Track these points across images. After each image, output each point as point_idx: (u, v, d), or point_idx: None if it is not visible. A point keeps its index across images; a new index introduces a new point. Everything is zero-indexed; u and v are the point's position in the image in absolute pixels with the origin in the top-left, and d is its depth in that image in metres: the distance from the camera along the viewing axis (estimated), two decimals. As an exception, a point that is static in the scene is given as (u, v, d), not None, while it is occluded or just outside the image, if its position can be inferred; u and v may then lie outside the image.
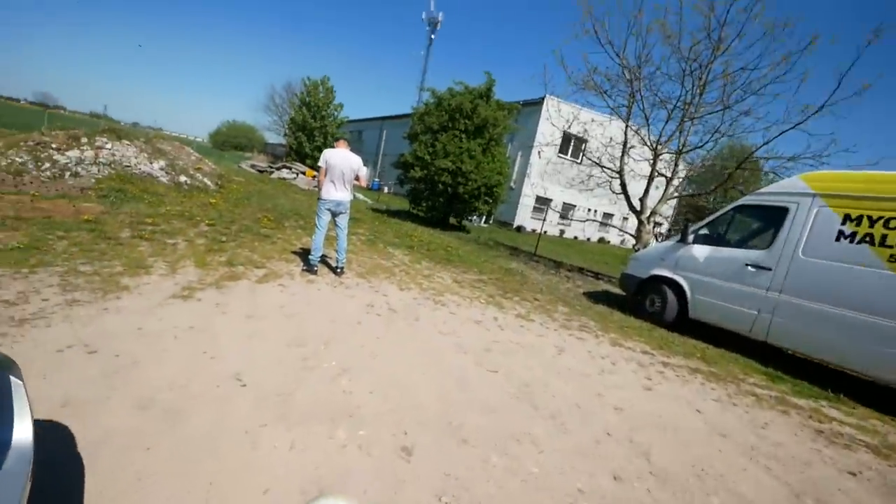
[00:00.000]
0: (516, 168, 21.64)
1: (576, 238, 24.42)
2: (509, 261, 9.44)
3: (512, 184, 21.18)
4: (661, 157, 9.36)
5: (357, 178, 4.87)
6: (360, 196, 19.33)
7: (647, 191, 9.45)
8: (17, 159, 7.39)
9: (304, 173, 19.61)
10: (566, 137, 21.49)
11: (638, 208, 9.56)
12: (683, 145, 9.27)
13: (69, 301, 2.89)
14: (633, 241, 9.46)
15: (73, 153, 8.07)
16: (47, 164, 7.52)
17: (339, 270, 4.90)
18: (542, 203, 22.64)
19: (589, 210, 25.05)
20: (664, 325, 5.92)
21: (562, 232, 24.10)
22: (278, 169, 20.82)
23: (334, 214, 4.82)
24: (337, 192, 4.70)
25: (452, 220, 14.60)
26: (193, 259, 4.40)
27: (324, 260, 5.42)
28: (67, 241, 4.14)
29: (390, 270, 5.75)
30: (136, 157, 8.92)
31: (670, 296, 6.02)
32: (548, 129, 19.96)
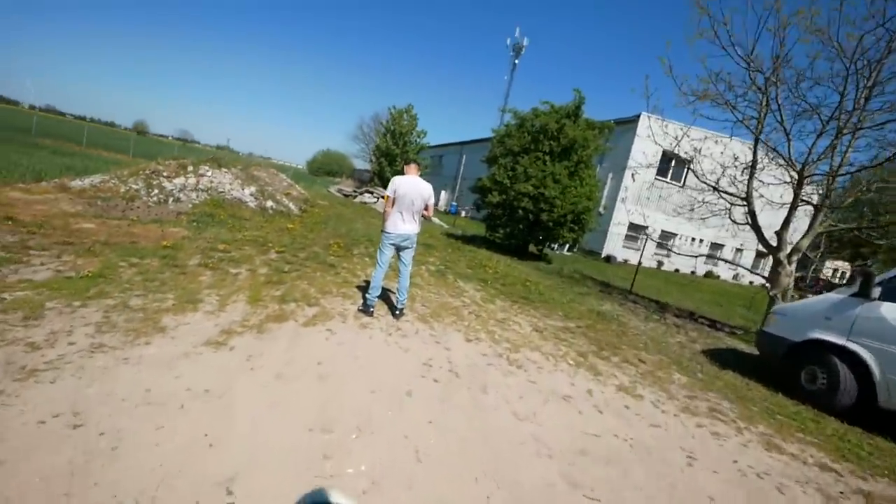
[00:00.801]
0: (606, 191, 19.78)
1: (677, 271, 21.34)
2: (600, 300, 8.06)
3: (601, 209, 19.34)
4: (808, 180, 7.34)
5: (426, 209, 4.23)
6: (436, 220, 19.16)
7: (786, 222, 7.44)
8: (133, 186, 8.30)
9: (383, 197, 20.11)
10: (666, 158, 19.13)
11: (773, 243, 7.56)
12: (840, 164, 7.16)
13: (94, 346, 2.57)
14: (767, 286, 7.44)
15: (179, 180, 8.88)
16: (156, 191, 8.32)
17: (397, 312, 4.24)
18: (637, 231, 20.27)
19: (693, 240, 21.84)
20: (835, 412, 4.19)
21: (660, 264, 21.27)
22: (361, 193, 21.76)
23: (399, 249, 4.21)
24: (404, 225, 4.10)
25: (532, 249, 13.47)
26: (248, 293, 4.08)
27: (384, 294, 4.82)
28: (136, 269, 4.10)
29: (458, 312, 4.95)
30: (230, 184, 9.59)
31: (845, 372, 4.27)
32: (644, 148, 18.00)
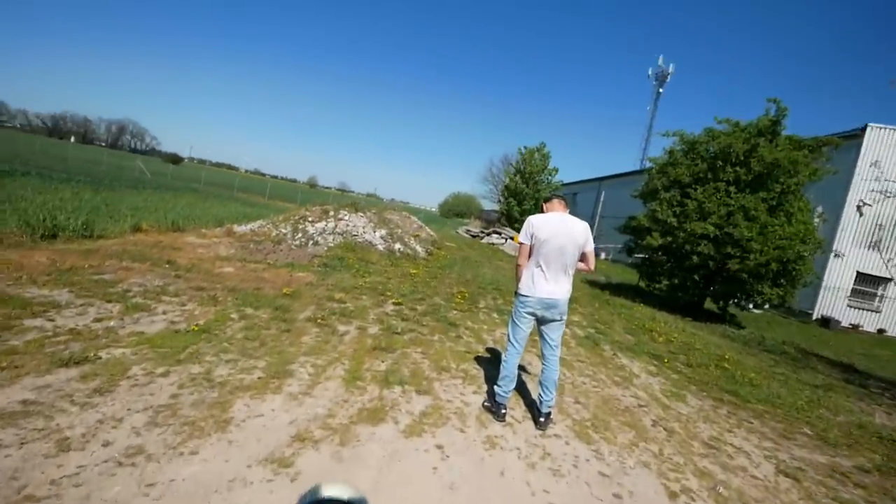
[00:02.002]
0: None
1: (947, 346, 14.22)
2: (857, 400, 5.05)
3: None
4: None
5: (583, 260, 2.81)
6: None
7: None
8: (282, 230, 9.00)
9: (511, 238, 19.04)
10: (916, 182, 13.41)
11: None
12: None
13: (129, 452, 1.87)
14: None
15: (320, 224, 9.36)
16: (300, 235, 8.84)
17: (542, 419, 2.78)
18: (869, 284, 14.47)
19: (977, 300, 14.43)
20: None
21: (912, 333, 14.59)
22: (488, 234, 21.14)
23: (541, 322, 2.82)
24: (548, 285, 2.69)
25: (710, 306, 10.33)
26: (349, 363, 3.21)
27: (519, 380, 3.43)
28: (244, 322, 3.67)
29: (634, 419, 3.21)
30: (363, 227, 9.75)
31: None
32: (875, 170, 13.00)
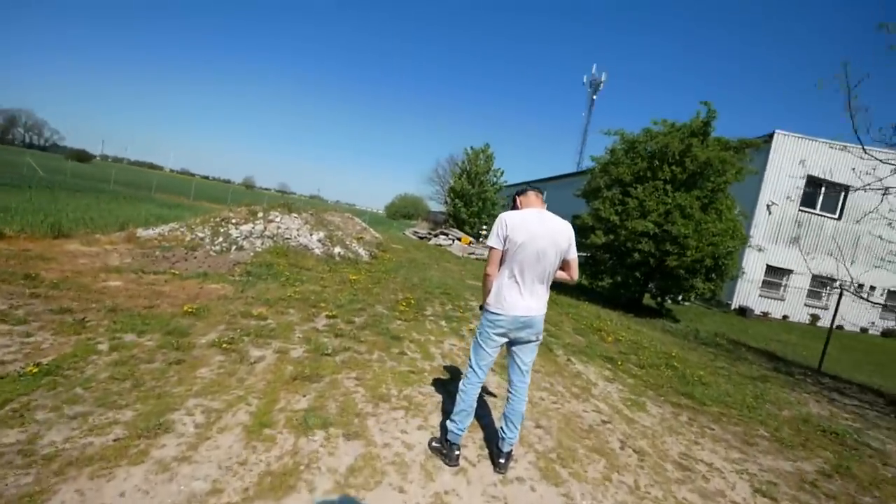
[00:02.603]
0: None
1: (840, 328, 16.19)
2: (790, 391, 5.23)
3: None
4: None
5: (564, 268, 2.32)
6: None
7: None
8: (199, 234, 7.79)
9: (459, 239, 18.78)
10: (814, 183, 15.12)
11: None
12: None
13: None
14: None
15: (246, 227, 8.28)
16: (220, 239, 7.71)
17: (501, 459, 2.27)
18: (776, 275, 16.03)
19: (860, 286, 16.62)
20: None
21: (814, 318, 16.41)
22: (436, 235, 20.72)
23: (512, 343, 2.29)
24: (524, 300, 2.17)
25: (648, 301, 10.68)
26: (257, 403, 2.51)
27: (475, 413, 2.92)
28: (117, 355, 2.80)
29: (599, 440, 2.85)
30: (298, 230, 8.80)
31: None
32: (780, 174, 14.45)
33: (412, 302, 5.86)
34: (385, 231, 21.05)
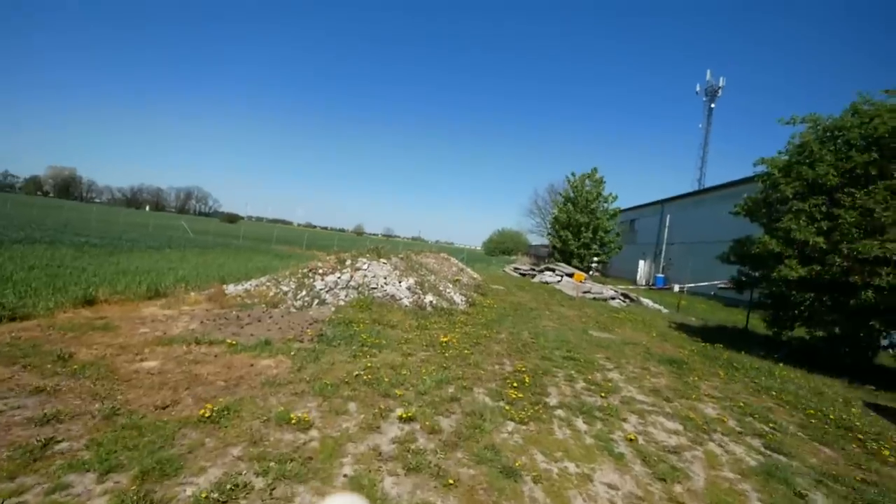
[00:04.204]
0: None
1: None
2: None
3: None
4: None
5: None
6: (648, 301, 13.86)
7: None
8: (283, 288, 7.20)
9: (570, 276, 16.24)
10: None
11: None
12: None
13: None
14: None
15: (331, 278, 7.50)
16: (304, 293, 6.98)
17: None
18: None
19: None
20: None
21: None
22: (540, 271, 18.48)
23: None
24: None
25: (886, 359, 6.96)
26: None
27: None
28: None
29: None
30: (385, 277, 7.76)
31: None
32: None
33: (526, 379, 4.04)
34: (484, 269, 19.63)
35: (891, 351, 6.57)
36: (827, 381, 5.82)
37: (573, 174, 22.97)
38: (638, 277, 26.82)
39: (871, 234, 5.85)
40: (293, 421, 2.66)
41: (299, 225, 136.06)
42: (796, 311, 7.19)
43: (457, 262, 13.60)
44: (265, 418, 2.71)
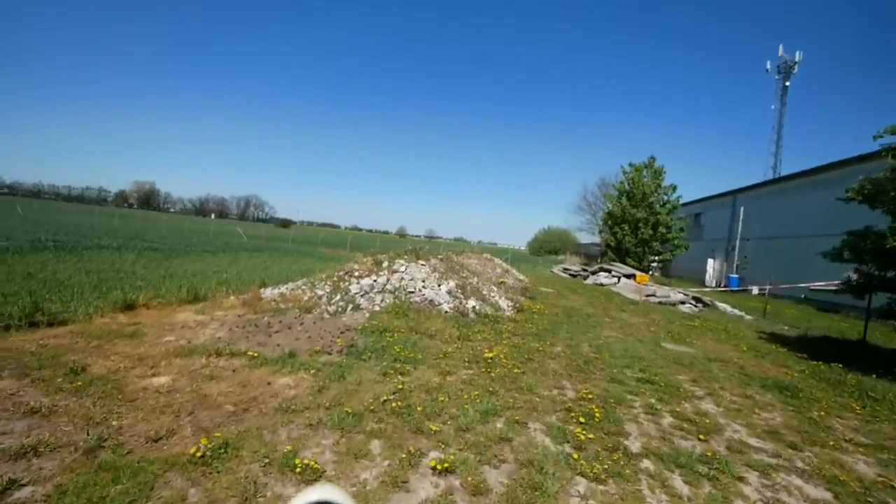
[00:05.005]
0: None
1: None
2: None
3: None
4: None
5: None
6: (725, 306, 12.14)
7: None
8: (318, 292, 6.85)
9: (631, 277, 14.77)
10: None
11: None
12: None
13: None
14: None
15: (367, 281, 7.03)
16: (338, 297, 6.56)
17: None
18: None
19: None
20: None
21: None
22: (594, 272, 17.07)
23: None
24: None
25: None
26: None
27: None
28: None
29: None
30: (423, 280, 7.15)
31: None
32: None
33: (595, 411, 3.21)
34: (530, 270, 18.54)
35: None
36: None
37: (629, 165, 21.17)
38: (707, 278, 24.23)
39: None
40: (297, 468, 2.09)
41: (346, 228, 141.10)
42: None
43: (501, 262, 12.78)
44: (267, 461, 2.17)
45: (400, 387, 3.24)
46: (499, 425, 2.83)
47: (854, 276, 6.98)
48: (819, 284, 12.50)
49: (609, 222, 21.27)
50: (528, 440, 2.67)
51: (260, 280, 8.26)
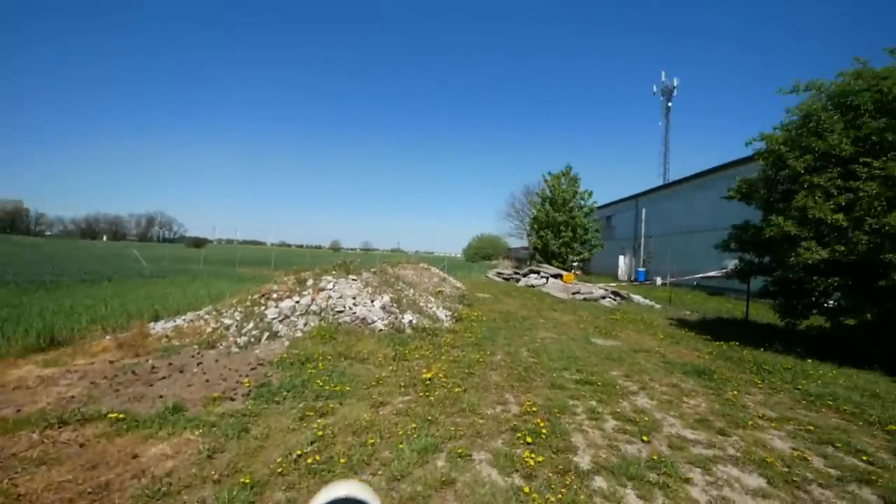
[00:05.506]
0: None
1: None
2: None
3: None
4: None
5: None
6: (638, 297, 13.18)
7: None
8: (226, 321, 5.95)
9: (558, 277, 15.44)
10: None
11: None
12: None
13: None
14: None
15: (287, 302, 6.26)
16: (251, 325, 5.71)
17: None
18: None
19: None
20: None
21: None
22: (525, 275, 17.64)
23: None
24: None
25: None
26: None
27: None
28: None
29: None
30: (354, 297, 6.58)
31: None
32: None
33: (541, 426, 2.99)
34: (466, 276, 18.60)
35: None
36: (866, 376, 5.07)
37: (549, 174, 22.45)
38: (620, 273, 26.50)
39: (897, 207, 5.20)
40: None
41: (273, 245, 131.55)
42: (812, 299, 6.53)
43: (438, 271, 12.53)
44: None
45: (320, 433, 2.70)
46: (440, 464, 2.45)
47: (736, 264, 7.87)
48: (712, 273, 14.14)
49: (535, 227, 22.26)
50: (474, 478, 2.32)
51: (152, 312, 6.97)
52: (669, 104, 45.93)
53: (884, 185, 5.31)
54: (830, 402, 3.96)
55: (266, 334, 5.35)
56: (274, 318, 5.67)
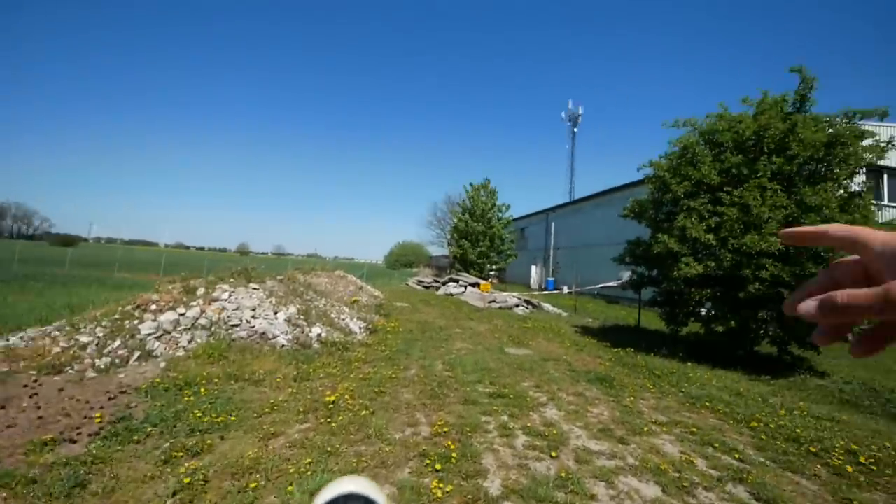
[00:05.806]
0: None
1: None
2: None
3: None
4: None
5: None
6: (548, 306, 14.05)
7: None
8: (82, 339, 4.87)
9: (475, 286, 15.80)
10: None
11: None
12: None
13: None
14: None
15: (170, 315, 5.37)
16: (118, 342, 4.77)
17: None
18: None
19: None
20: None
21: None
22: (444, 283, 17.78)
23: None
24: None
25: (766, 348, 7.56)
26: None
27: None
28: None
29: None
30: (254, 309, 5.88)
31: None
32: None
33: (452, 449, 2.84)
34: (386, 284, 18.12)
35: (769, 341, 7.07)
36: (731, 376, 5.90)
37: (470, 185, 23.10)
38: (532, 282, 28.20)
39: (752, 229, 6.18)
40: None
41: (167, 246, 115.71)
42: (691, 308, 7.47)
43: (355, 279, 11.95)
44: None
45: (187, 480, 2.21)
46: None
47: (630, 276, 8.76)
48: (611, 283, 15.65)
49: (455, 235, 22.65)
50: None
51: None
52: (575, 129, 50.68)
53: (741, 210, 6.30)
54: (708, 404, 4.46)
55: (137, 354, 4.45)
56: (150, 334, 4.77)
